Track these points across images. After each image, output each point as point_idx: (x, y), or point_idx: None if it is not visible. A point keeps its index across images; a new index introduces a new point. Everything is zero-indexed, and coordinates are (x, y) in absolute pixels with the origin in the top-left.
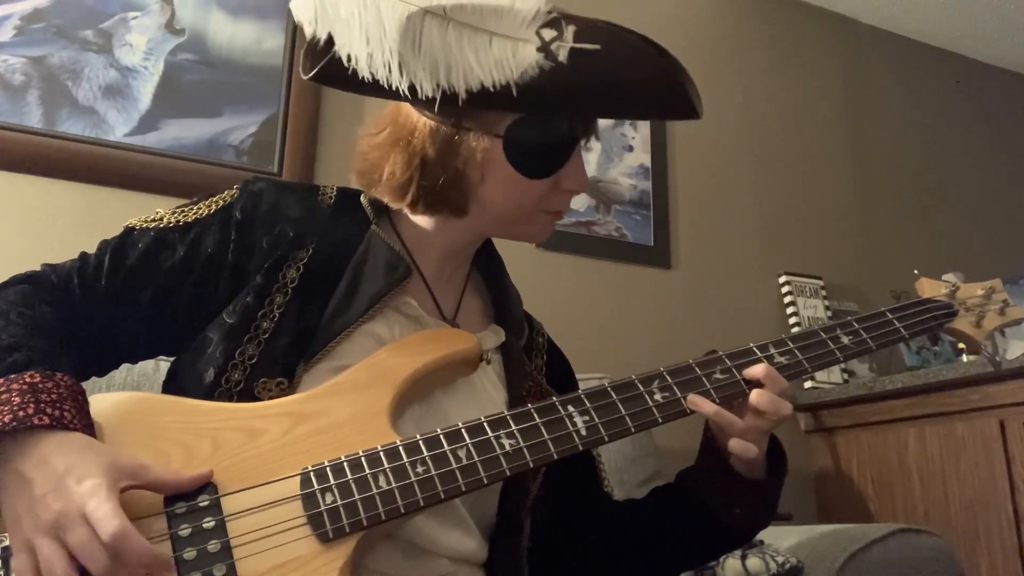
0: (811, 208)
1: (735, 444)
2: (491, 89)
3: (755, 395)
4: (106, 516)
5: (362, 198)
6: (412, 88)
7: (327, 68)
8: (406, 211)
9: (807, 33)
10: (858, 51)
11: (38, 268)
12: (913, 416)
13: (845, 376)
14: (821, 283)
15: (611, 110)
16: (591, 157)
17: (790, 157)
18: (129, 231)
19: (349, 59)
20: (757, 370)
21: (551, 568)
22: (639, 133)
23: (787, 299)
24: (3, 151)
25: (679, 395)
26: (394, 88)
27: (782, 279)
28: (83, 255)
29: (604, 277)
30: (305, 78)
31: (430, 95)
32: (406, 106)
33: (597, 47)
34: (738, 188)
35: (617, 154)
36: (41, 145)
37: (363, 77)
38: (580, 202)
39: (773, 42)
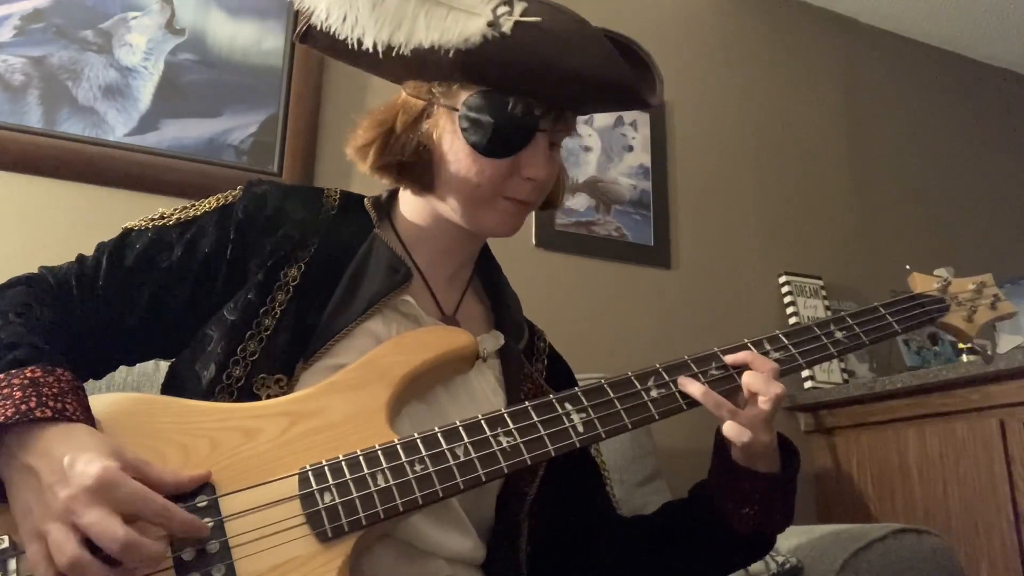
0: (811, 208)
1: (728, 428)
2: (435, 51)
3: (747, 376)
4: (136, 493)
5: (365, 201)
6: (359, 41)
7: (310, 27)
8: (372, 174)
9: (807, 33)
10: (858, 51)
11: (36, 270)
12: (913, 416)
13: (845, 376)
14: (821, 283)
15: (557, 89)
16: (591, 157)
17: (790, 157)
18: (127, 232)
19: (305, 6)
20: (741, 355)
21: None
22: (639, 133)
23: (787, 299)
24: (3, 151)
25: (675, 391)
26: (341, 37)
27: (782, 279)
28: (80, 257)
29: (604, 277)
30: (293, 39)
31: (370, 49)
32: (399, 91)
33: (538, 20)
34: (738, 188)
35: (617, 154)
36: (41, 145)
37: (316, 25)
38: (580, 202)
39: (773, 42)
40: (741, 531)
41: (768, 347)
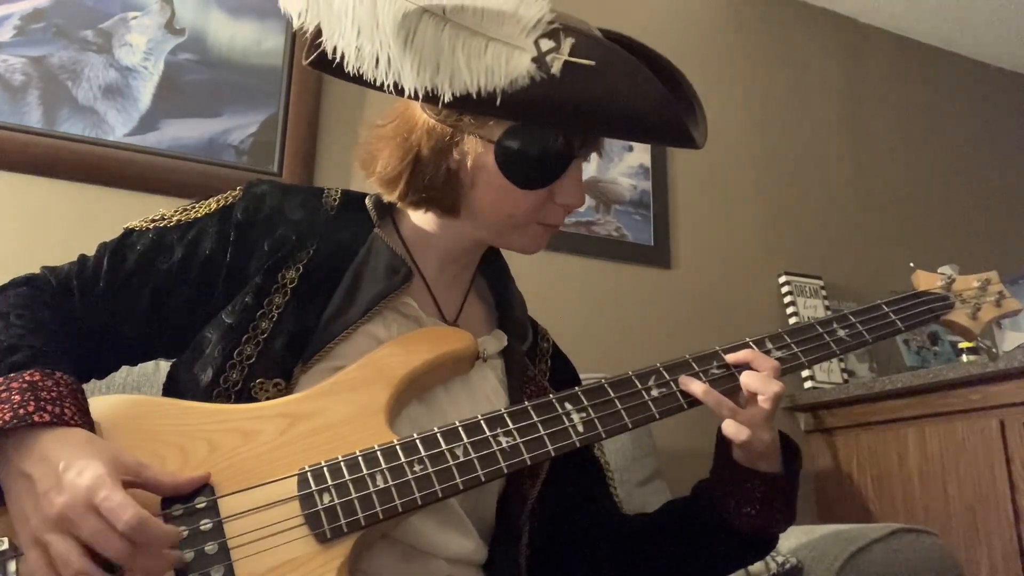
0: (811, 208)
1: (728, 426)
2: (477, 95)
3: (745, 376)
4: (119, 506)
5: (367, 200)
6: (396, 85)
7: (323, 57)
8: (399, 205)
9: (807, 33)
10: (858, 51)
11: (37, 271)
12: (913, 416)
13: (845, 376)
14: (821, 283)
15: (601, 130)
16: (591, 157)
17: (790, 157)
18: (128, 233)
19: (335, 51)
20: (742, 354)
21: None
22: None
23: (787, 299)
24: (3, 151)
25: (675, 390)
26: (378, 84)
27: (782, 279)
28: (82, 258)
29: (604, 277)
30: (304, 63)
31: (411, 95)
32: (412, 104)
33: (591, 63)
34: (738, 188)
35: (617, 154)
36: (41, 145)
37: (348, 71)
38: None
39: (773, 42)
40: (743, 530)
41: (770, 345)
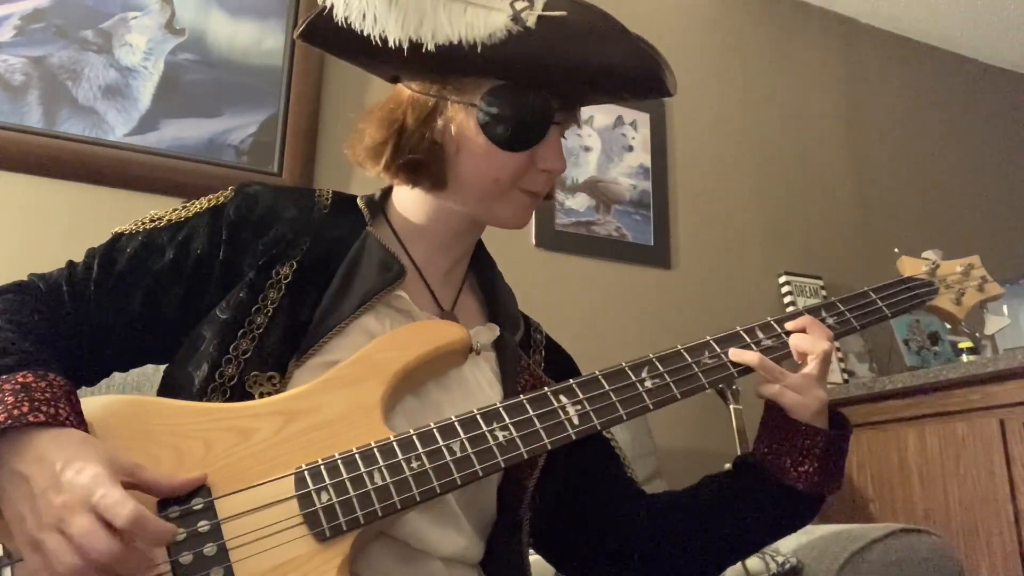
0: (811, 208)
1: (769, 389)
2: (459, 46)
3: (795, 338)
4: (118, 502)
5: (358, 200)
6: (383, 39)
7: (313, 24)
8: (384, 176)
9: (807, 33)
10: (858, 51)
11: (33, 272)
12: (913, 416)
13: (845, 376)
14: (821, 283)
15: (577, 83)
16: (591, 157)
17: (790, 157)
18: (117, 237)
19: (325, 1)
20: (799, 321)
21: (592, 569)
22: (639, 133)
23: (787, 299)
24: (3, 151)
25: (668, 381)
26: (365, 34)
27: (782, 279)
28: (70, 263)
29: (604, 277)
30: (295, 37)
31: (396, 45)
32: (399, 87)
33: (563, 14)
34: (738, 188)
35: (617, 154)
36: (41, 145)
37: (338, 21)
38: (580, 202)
39: (773, 42)
40: (799, 489)
41: (761, 335)
